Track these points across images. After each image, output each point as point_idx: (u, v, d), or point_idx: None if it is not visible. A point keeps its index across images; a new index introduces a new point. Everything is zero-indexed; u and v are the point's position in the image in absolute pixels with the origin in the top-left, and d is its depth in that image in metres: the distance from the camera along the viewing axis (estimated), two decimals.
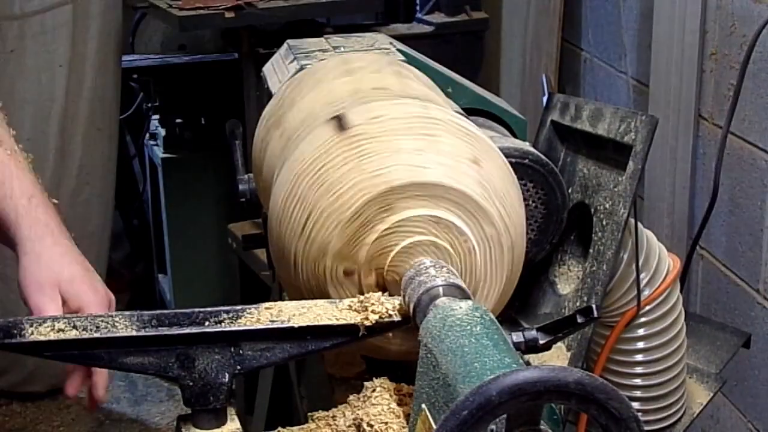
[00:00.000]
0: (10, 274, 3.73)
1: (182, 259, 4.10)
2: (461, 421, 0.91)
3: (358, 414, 1.27)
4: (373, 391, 1.29)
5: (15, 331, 1.21)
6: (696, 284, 2.77)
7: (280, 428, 1.31)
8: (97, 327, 1.22)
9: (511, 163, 1.49)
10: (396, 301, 1.30)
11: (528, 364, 1.11)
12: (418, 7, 3.74)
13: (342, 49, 1.96)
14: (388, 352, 1.42)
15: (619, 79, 3.25)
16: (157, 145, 4.20)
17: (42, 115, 3.64)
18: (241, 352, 1.25)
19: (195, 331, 1.23)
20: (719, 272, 2.65)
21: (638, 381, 1.89)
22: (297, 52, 1.93)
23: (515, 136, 1.98)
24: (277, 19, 3.39)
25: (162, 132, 4.14)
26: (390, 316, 1.29)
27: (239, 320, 1.25)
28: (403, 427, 1.25)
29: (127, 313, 1.24)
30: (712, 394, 2.00)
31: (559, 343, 1.64)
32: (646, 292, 1.85)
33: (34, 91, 3.62)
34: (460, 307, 1.16)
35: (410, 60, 1.93)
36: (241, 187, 1.86)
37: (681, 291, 1.95)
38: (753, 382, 2.53)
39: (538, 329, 1.27)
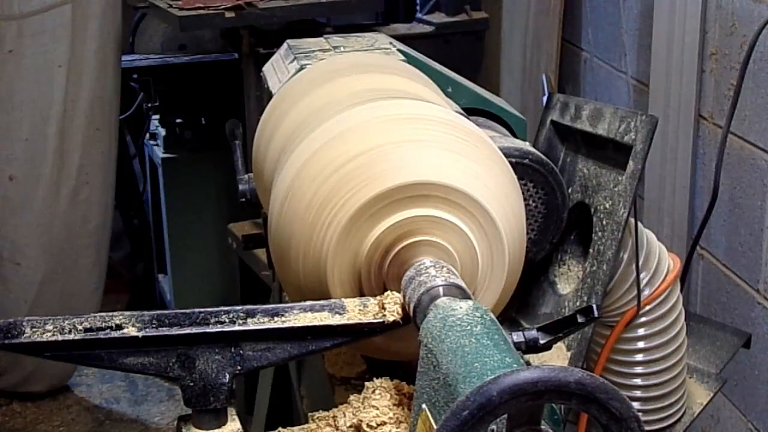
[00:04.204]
0: (9, 275, 3.76)
1: (182, 259, 4.10)
2: (462, 421, 0.91)
3: (358, 414, 1.27)
4: (374, 391, 1.29)
5: (15, 331, 1.21)
6: (696, 284, 2.77)
7: (280, 428, 1.31)
8: (98, 327, 1.22)
9: (511, 163, 1.49)
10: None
11: (528, 364, 1.10)
12: (418, 7, 3.74)
13: (342, 49, 1.96)
14: (388, 352, 1.42)
15: (619, 79, 3.25)
16: (157, 145, 4.20)
17: (41, 115, 3.64)
18: (241, 352, 1.25)
19: (195, 332, 1.23)
20: (719, 272, 2.65)
21: (638, 381, 1.89)
22: (297, 52, 1.94)
23: (515, 136, 1.98)
24: (277, 19, 3.39)
25: (162, 132, 4.14)
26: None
27: (239, 320, 1.25)
28: (404, 428, 1.25)
29: (128, 313, 1.24)
30: (712, 394, 2.00)
31: (559, 343, 1.64)
32: (646, 292, 1.85)
33: (33, 92, 3.62)
34: (461, 307, 1.16)
35: (410, 60, 1.93)
36: (241, 187, 1.86)
37: (681, 291, 1.95)
38: (753, 382, 2.53)
39: (538, 329, 1.27)
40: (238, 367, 1.25)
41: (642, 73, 3.04)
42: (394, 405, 1.27)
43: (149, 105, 4.19)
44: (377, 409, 1.26)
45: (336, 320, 1.27)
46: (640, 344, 1.88)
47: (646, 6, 2.99)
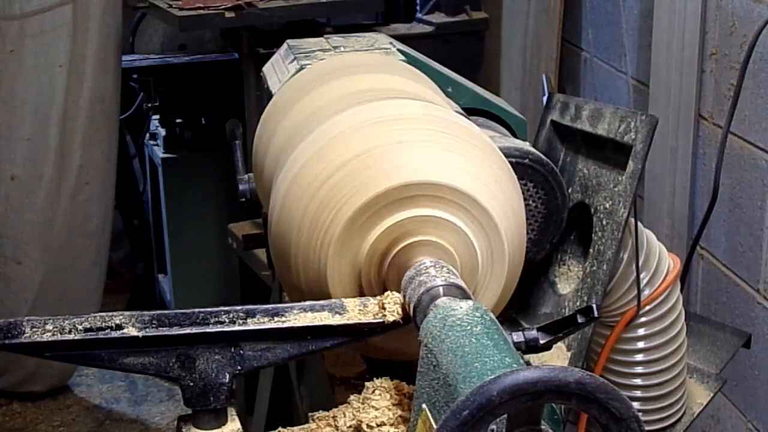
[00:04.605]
0: (10, 274, 3.76)
1: (182, 259, 4.10)
2: (462, 421, 0.91)
3: (358, 414, 1.27)
4: (373, 391, 1.29)
5: (15, 331, 1.21)
6: (696, 284, 2.77)
7: (280, 428, 1.31)
8: (98, 327, 1.22)
9: (511, 163, 1.49)
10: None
11: (528, 364, 1.11)
12: (418, 7, 3.74)
13: (342, 49, 1.96)
14: (388, 352, 1.42)
15: (619, 79, 3.25)
16: (157, 145, 4.20)
17: (42, 115, 3.64)
18: (241, 352, 1.25)
19: (195, 331, 1.23)
20: (719, 272, 2.65)
21: (638, 381, 1.89)
22: (297, 52, 1.94)
23: (515, 136, 1.98)
24: (277, 19, 3.39)
25: (162, 132, 4.14)
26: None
27: (239, 320, 1.25)
28: (404, 428, 1.25)
29: (128, 313, 1.24)
30: (712, 394, 2.00)
31: (559, 343, 1.64)
32: (646, 292, 1.85)
33: (34, 91, 3.62)
34: (461, 307, 1.16)
35: (410, 60, 1.93)
36: (241, 187, 1.86)
37: (681, 291, 1.95)
38: (753, 382, 2.53)
39: (538, 329, 1.27)
40: (238, 367, 1.25)
41: (642, 73, 3.04)
42: (394, 405, 1.27)
43: (149, 105, 4.19)
44: (377, 409, 1.26)
45: (336, 320, 1.27)
46: (640, 344, 1.88)
47: (646, 6, 2.99)
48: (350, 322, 1.28)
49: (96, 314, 1.24)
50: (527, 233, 1.54)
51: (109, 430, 3.86)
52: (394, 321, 1.29)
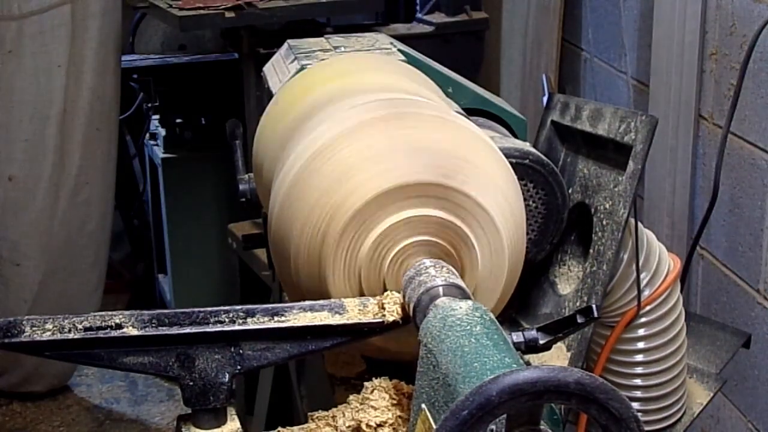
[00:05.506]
0: (9, 275, 3.76)
1: (182, 259, 4.10)
2: (461, 421, 0.91)
3: (357, 414, 1.27)
4: (373, 391, 1.29)
5: (15, 331, 1.21)
6: (696, 284, 2.77)
7: (280, 428, 1.31)
8: (97, 326, 1.22)
9: (511, 163, 1.49)
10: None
11: (528, 364, 1.11)
12: (418, 7, 3.74)
13: (342, 49, 1.96)
14: (387, 352, 1.42)
15: (619, 79, 3.25)
16: (157, 145, 4.20)
17: (41, 115, 3.64)
18: (241, 351, 1.25)
19: (195, 331, 1.23)
20: (719, 272, 2.65)
21: (638, 381, 1.89)
22: (297, 52, 1.94)
23: (515, 136, 1.98)
24: (277, 19, 3.39)
25: (162, 132, 4.14)
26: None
27: (239, 320, 1.25)
28: (403, 428, 1.25)
29: (127, 312, 1.24)
30: (712, 394, 2.00)
31: (559, 343, 1.64)
32: (646, 292, 1.85)
33: (33, 92, 3.62)
34: (460, 307, 1.16)
35: (410, 60, 1.93)
36: (241, 187, 1.86)
37: (681, 291, 1.95)
38: (753, 382, 2.53)
39: (538, 329, 1.27)
40: (238, 367, 1.25)
41: (642, 73, 3.04)
42: (394, 405, 1.27)
43: (149, 105, 4.19)
44: (376, 409, 1.26)
45: (336, 320, 1.27)
46: (640, 344, 1.88)
47: (646, 6, 2.99)
48: (350, 322, 1.28)
49: (96, 314, 1.24)
50: (527, 233, 1.54)
51: (109, 430, 3.86)
52: (394, 321, 1.29)
